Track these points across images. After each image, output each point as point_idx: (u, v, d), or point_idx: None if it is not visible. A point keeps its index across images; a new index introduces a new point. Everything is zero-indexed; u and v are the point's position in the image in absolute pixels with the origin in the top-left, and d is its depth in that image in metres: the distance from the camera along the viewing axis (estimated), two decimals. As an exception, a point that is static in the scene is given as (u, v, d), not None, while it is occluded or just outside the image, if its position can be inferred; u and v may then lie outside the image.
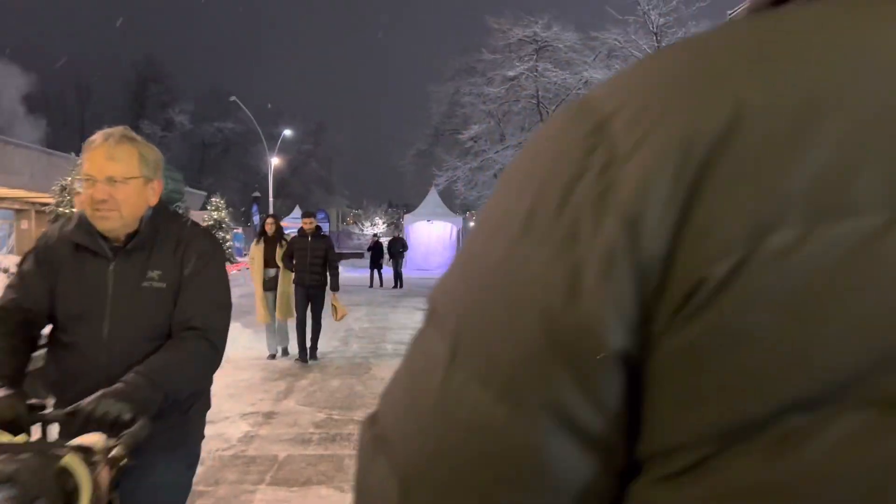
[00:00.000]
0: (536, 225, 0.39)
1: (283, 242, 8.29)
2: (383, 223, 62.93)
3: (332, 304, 8.05)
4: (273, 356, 8.19)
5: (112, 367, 1.72)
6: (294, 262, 7.97)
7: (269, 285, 8.25)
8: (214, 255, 1.94)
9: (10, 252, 19.46)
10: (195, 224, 2.00)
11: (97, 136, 1.78)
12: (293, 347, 8.25)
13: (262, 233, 8.40)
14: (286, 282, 8.17)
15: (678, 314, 0.35)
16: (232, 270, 18.15)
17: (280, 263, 8.17)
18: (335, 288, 8.05)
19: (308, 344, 8.05)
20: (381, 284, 20.92)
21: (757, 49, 0.38)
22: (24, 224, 22.26)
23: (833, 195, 0.33)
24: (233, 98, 33.99)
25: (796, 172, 0.34)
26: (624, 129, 0.38)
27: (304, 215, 8.29)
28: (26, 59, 49.05)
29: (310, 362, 7.98)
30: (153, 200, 1.86)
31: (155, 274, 1.81)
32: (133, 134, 1.84)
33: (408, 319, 12.72)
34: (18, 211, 22.21)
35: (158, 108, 52.53)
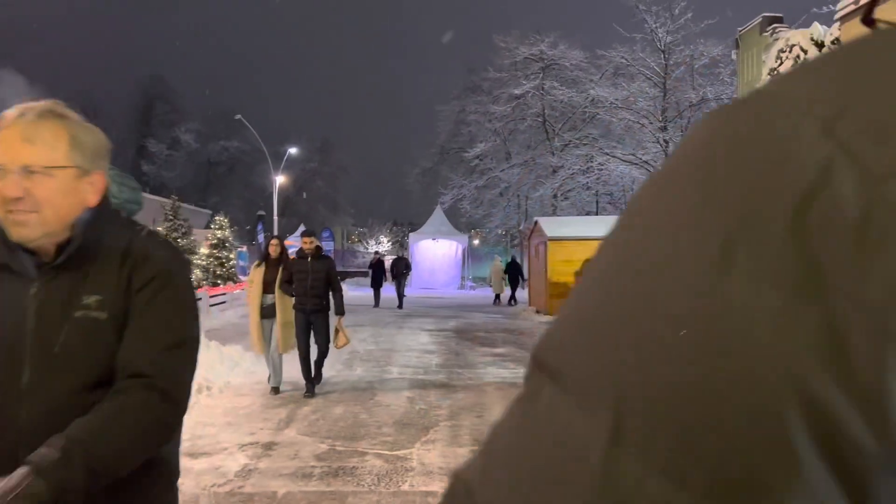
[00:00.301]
0: (750, 256, 0.28)
1: (285, 266, 7.54)
2: (388, 241, 62.77)
3: (336, 329, 7.49)
4: (277, 390, 7.39)
5: (34, 430, 1.24)
6: (294, 286, 7.32)
7: (267, 312, 7.45)
8: (175, 276, 1.42)
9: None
10: (153, 233, 1.52)
11: (10, 112, 1.31)
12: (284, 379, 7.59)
13: (266, 255, 7.70)
14: (286, 310, 7.41)
15: None
16: (235, 290, 17.93)
17: (276, 290, 7.44)
18: (340, 312, 7.44)
19: (312, 371, 7.44)
20: (377, 304, 20.55)
21: None
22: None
23: None
24: (238, 116, 33.99)
25: None
26: (866, 140, 0.28)
27: (304, 234, 7.66)
28: (33, 71, 49.19)
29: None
30: (92, 200, 1.36)
31: (92, 300, 1.33)
32: (64, 109, 1.36)
33: (413, 341, 12.45)
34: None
35: (165, 126, 52.62)
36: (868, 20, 0.38)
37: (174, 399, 1.34)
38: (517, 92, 30.32)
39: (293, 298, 7.39)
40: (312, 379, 7.42)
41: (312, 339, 7.53)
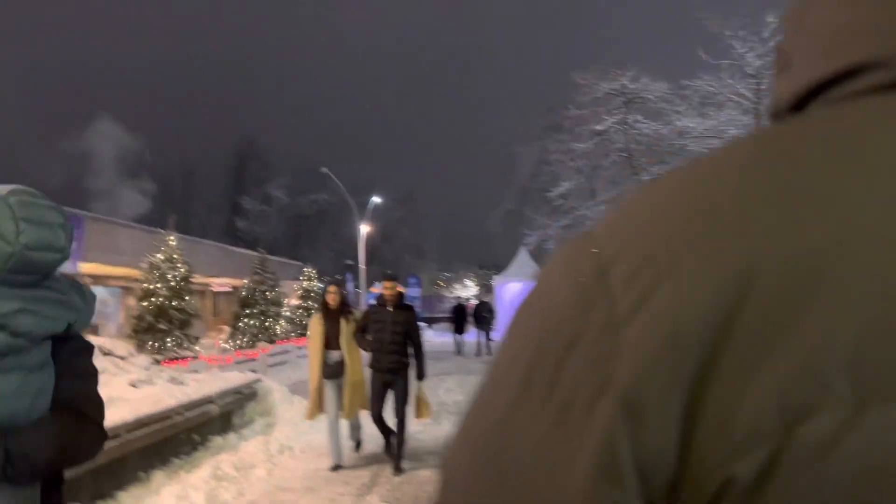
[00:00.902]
0: (534, 389, 0.35)
1: (350, 317, 6.58)
2: (475, 285, 62.49)
3: (417, 398, 6.50)
4: (338, 467, 6.33)
5: None
6: (370, 338, 6.32)
7: (332, 372, 6.38)
8: None
9: (119, 331, 20.01)
10: None
11: None
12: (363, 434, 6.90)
13: (324, 305, 6.63)
14: (356, 368, 6.39)
15: None
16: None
17: (344, 344, 6.41)
18: (422, 376, 6.40)
19: (393, 450, 6.39)
20: (460, 352, 19.99)
21: (771, 188, 0.33)
22: (131, 301, 23.07)
23: (886, 370, 0.28)
24: (324, 170, 34.86)
25: (831, 344, 0.29)
26: (624, 281, 0.34)
27: (385, 278, 6.52)
28: (132, 122, 52.20)
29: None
30: None
31: None
32: None
33: (503, 390, 11.88)
34: (125, 289, 23.07)
35: (257, 184, 54.77)
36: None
37: None
38: (599, 128, 29.74)
39: (366, 353, 6.47)
40: (394, 454, 6.39)
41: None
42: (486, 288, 50.11)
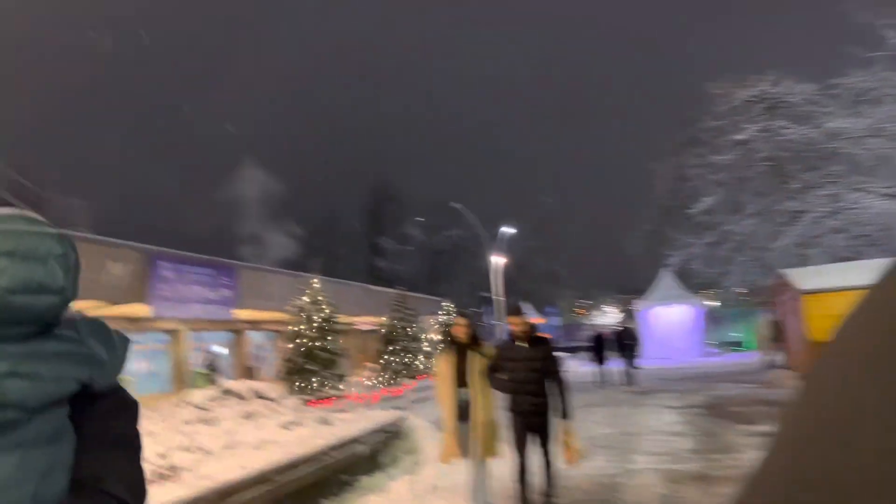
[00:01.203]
0: None
1: (480, 351, 5.92)
2: (618, 311, 60.56)
3: (564, 441, 5.68)
4: None
5: None
6: (505, 378, 5.71)
7: (463, 413, 5.78)
8: None
9: (274, 374, 20.97)
10: None
11: None
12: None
13: (452, 340, 6.05)
14: (488, 405, 5.80)
15: None
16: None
17: (474, 382, 5.78)
18: (569, 415, 5.65)
19: (543, 493, 5.71)
20: (603, 382, 19.10)
21: None
22: (283, 344, 24.26)
23: None
24: (456, 205, 35.38)
25: None
26: None
27: (511, 312, 5.97)
28: (275, 166, 55.59)
29: None
30: None
31: None
32: None
33: (656, 421, 11.16)
34: (277, 332, 24.31)
35: (394, 224, 56.57)
36: None
37: None
38: (740, 137, 28.03)
39: (499, 392, 5.84)
40: (547, 492, 5.73)
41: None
42: (628, 314, 48.39)
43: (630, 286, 58.10)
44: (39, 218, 1.15)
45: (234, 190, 42.31)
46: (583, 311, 65.57)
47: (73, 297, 1.17)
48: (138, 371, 16.01)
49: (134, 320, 15.39)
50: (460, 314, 6.53)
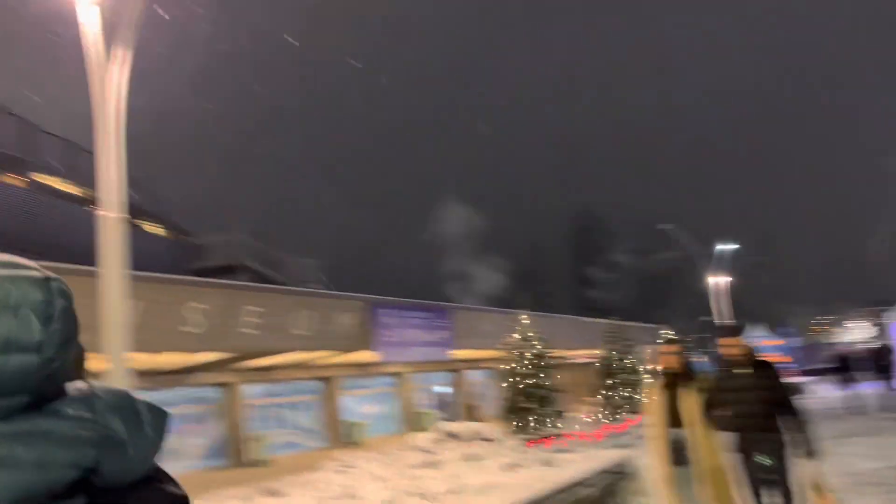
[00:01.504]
0: None
1: (694, 385, 5.16)
2: (868, 325, 53.53)
3: (811, 486, 4.80)
4: None
5: None
6: (728, 414, 4.91)
7: (678, 457, 5.07)
8: None
9: (495, 413, 21.22)
10: None
11: None
12: None
13: (663, 371, 5.32)
14: (713, 450, 5.02)
15: None
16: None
17: (689, 420, 5.07)
18: (812, 453, 4.74)
19: None
20: (853, 408, 16.60)
21: None
22: (498, 382, 24.58)
23: None
24: (666, 226, 33.83)
25: None
26: None
27: (722, 333, 5.17)
28: (477, 202, 57.33)
29: None
30: None
31: None
32: None
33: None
34: (494, 370, 24.69)
35: (599, 252, 55.49)
36: None
37: None
38: None
39: (722, 431, 5.07)
40: None
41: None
42: (881, 328, 42.64)
43: (876, 297, 51.23)
44: (19, 260, 0.89)
45: (438, 228, 44.31)
46: (820, 328, 58.92)
47: (63, 355, 0.85)
48: (370, 414, 17.07)
49: (362, 366, 16.47)
50: (668, 340, 5.98)
